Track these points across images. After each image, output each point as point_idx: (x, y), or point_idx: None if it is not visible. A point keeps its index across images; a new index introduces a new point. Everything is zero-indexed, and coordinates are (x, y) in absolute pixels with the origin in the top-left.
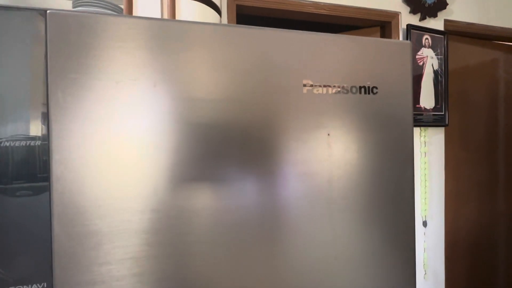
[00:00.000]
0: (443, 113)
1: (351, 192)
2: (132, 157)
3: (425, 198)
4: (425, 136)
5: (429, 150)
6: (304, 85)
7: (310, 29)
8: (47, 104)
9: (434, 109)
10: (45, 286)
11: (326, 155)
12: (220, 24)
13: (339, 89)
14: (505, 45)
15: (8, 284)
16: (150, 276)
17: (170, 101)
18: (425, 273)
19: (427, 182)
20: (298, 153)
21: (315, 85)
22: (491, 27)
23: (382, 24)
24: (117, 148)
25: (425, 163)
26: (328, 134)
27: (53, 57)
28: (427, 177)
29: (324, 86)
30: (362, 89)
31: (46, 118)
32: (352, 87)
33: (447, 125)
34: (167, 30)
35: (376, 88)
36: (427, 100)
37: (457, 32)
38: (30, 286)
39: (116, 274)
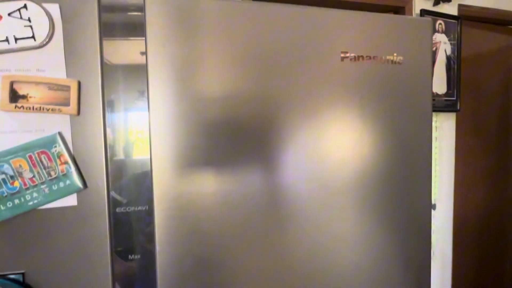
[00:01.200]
0: (455, 98)
1: (377, 154)
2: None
3: (435, 182)
4: (436, 121)
5: (440, 135)
6: (341, 55)
7: None
8: (147, 83)
9: (446, 94)
10: (147, 208)
11: (359, 115)
12: (256, 2)
13: (370, 59)
14: None
15: (121, 205)
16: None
17: (208, 81)
18: (433, 254)
19: (437, 167)
20: (335, 111)
21: (350, 55)
22: (506, 11)
23: (395, 10)
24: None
25: (436, 147)
26: (361, 97)
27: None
28: (438, 161)
29: (358, 56)
30: (390, 61)
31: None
32: (380, 57)
33: (459, 110)
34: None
35: (401, 59)
36: (439, 85)
37: (471, 17)
38: (137, 207)
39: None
